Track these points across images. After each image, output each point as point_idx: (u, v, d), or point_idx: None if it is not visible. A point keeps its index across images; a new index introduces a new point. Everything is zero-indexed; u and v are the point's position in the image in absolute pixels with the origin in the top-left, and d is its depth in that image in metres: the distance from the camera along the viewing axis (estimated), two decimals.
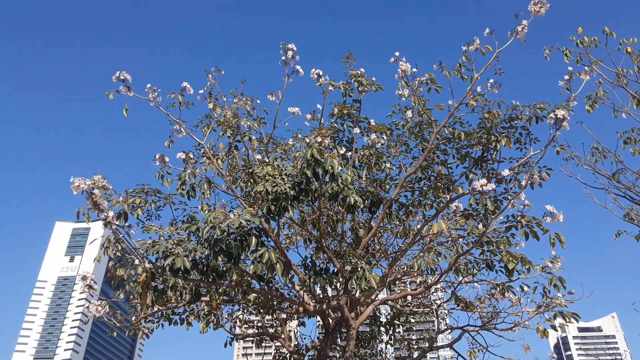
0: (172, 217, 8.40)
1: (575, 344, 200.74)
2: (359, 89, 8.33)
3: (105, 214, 6.03)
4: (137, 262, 7.02)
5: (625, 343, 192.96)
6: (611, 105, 10.10)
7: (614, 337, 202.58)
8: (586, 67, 9.20)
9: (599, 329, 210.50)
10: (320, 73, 8.03)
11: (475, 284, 10.09)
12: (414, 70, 7.70)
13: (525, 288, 9.28)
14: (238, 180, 9.39)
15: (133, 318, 9.85)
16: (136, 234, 6.86)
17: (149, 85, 7.46)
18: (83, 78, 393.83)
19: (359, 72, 8.26)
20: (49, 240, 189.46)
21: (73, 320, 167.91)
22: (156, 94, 7.50)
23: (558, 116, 6.38)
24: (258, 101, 9.13)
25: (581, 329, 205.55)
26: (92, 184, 6.01)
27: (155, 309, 9.47)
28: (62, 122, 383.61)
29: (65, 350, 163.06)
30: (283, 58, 8.09)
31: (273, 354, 12.55)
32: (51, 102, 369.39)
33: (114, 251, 6.95)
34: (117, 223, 6.40)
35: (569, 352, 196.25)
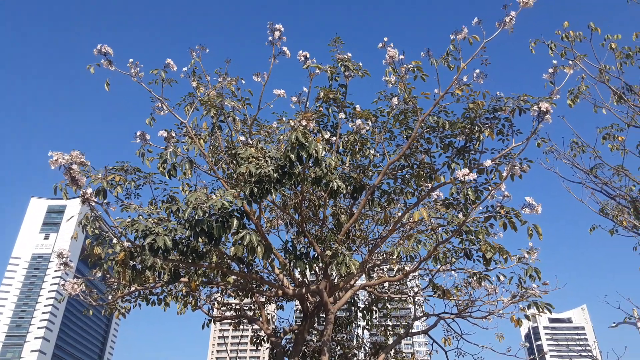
0: (151, 197, 8.28)
1: (546, 334, 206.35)
2: (346, 74, 8.27)
3: (84, 191, 5.90)
4: (115, 240, 6.91)
5: (594, 334, 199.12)
6: (592, 101, 10.24)
7: (583, 328, 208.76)
8: (570, 62, 9.29)
9: (569, 320, 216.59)
10: (307, 55, 7.95)
11: (453, 272, 10.23)
12: (402, 57, 7.67)
13: (502, 278, 9.44)
14: (220, 161, 9.29)
15: (109, 297, 9.74)
16: (115, 212, 6.75)
17: (131, 60, 7.28)
18: (61, 52, 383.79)
19: (346, 57, 8.20)
20: (23, 216, 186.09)
21: (47, 299, 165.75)
22: (138, 69, 7.33)
23: (541, 108, 6.44)
24: (243, 82, 9.01)
25: (552, 320, 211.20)
26: (71, 159, 5.86)
27: (133, 288, 9.38)
28: (40, 97, 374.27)
29: (38, 328, 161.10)
30: (270, 39, 7.97)
31: (250, 336, 12.58)
32: (27, 76, 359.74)
33: (92, 229, 6.82)
34: (96, 200, 6.28)
35: (539, 342, 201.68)
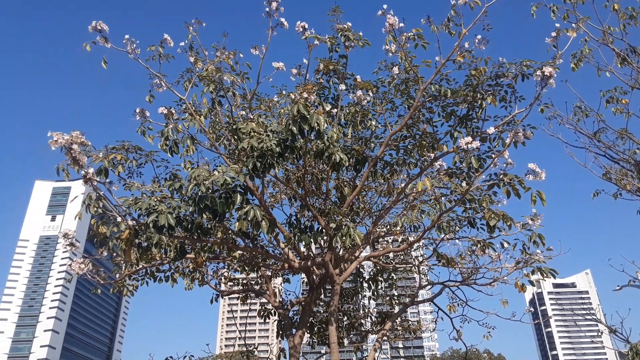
0: (154, 175, 8.28)
1: (550, 299, 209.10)
2: (346, 44, 8.14)
3: (85, 170, 5.90)
4: (119, 219, 6.95)
5: (598, 298, 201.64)
6: (595, 64, 10.08)
7: (587, 292, 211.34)
8: (573, 24, 9.09)
9: (573, 285, 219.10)
10: (306, 26, 7.81)
11: (457, 240, 10.28)
12: (402, 25, 7.53)
13: (506, 244, 9.48)
14: (222, 137, 9.25)
15: (117, 275, 9.86)
16: (117, 191, 6.76)
17: (127, 37, 7.18)
18: (59, 31, 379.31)
19: (346, 27, 8.05)
20: (29, 199, 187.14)
21: (57, 279, 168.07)
22: (135, 45, 7.23)
23: (545, 73, 6.35)
24: (241, 55, 8.88)
25: (556, 285, 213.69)
26: (71, 140, 5.84)
27: (140, 266, 9.48)
28: (39, 78, 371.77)
29: (50, 308, 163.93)
30: (267, 10, 7.82)
31: (258, 309, 12.76)
32: (27, 57, 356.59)
33: (95, 208, 6.85)
34: (98, 180, 6.29)
35: (543, 307, 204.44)
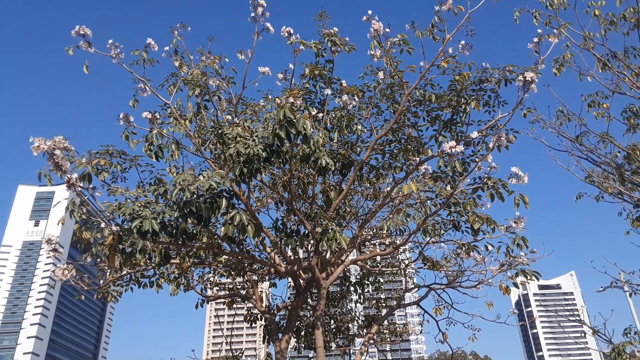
0: (138, 180, 8.21)
1: (536, 300, 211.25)
2: (332, 49, 8.17)
3: (68, 176, 5.83)
4: (103, 225, 6.88)
5: (582, 299, 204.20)
6: (577, 69, 10.26)
7: (572, 294, 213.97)
8: (555, 30, 9.26)
9: (558, 287, 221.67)
10: (291, 31, 7.82)
11: (442, 244, 10.36)
12: (387, 30, 7.59)
13: (490, 247, 9.58)
14: (207, 142, 9.21)
15: (101, 281, 9.75)
16: (101, 196, 6.70)
17: (110, 41, 7.13)
18: (42, 35, 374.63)
19: (333, 32, 8.08)
20: (12, 204, 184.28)
21: (40, 285, 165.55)
22: (118, 50, 7.18)
23: (527, 78, 6.44)
24: (227, 60, 8.86)
25: (541, 287, 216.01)
26: (53, 145, 5.77)
27: (124, 272, 9.39)
28: (21, 82, 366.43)
29: (33, 314, 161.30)
30: (252, 15, 7.82)
31: (245, 314, 12.70)
32: (8, 61, 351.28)
33: (79, 214, 6.77)
34: (81, 185, 6.22)
35: (529, 309, 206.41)
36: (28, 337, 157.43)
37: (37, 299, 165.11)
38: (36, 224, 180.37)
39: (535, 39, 7.58)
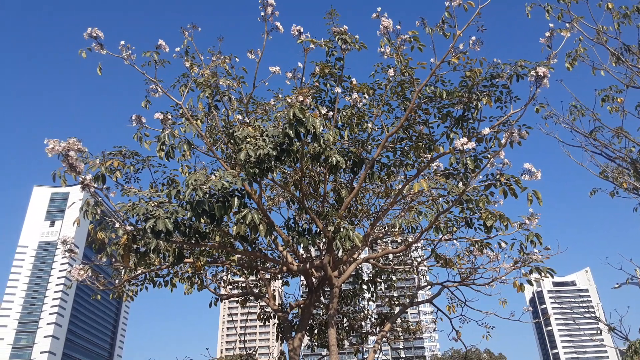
0: (151, 180, 8.30)
1: (550, 297, 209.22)
2: (342, 47, 8.16)
3: (83, 177, 5.91)
4: (117, 225, 6.96)
5: (598, 296, 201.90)
6: (590, 63, 10.13)
7: (587, 290, 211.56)
8: (567, 24, 9.16)
9: (572, 283, 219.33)
10: (301, 30, 7.83)
11: (455, 241, 10.31)
12: (397, 27, 7.56)
13: (503, 244, 9.51)
14: (218, 141, 9.27)
15: (116, 281, 9.86)
16: (115, 197, 6.77)
17: (122, 43, 7.20)
18: (56, 38, 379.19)
19: (343, 30, 8.08)
20: (27, 205, 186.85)
21: (57, 285, 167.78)
22: (130, 51, 7.26)
23: (539, 73, 6.38)
24: (237, 59, 8.91)
25: (556, 284, 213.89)
26: (67, 147, 5.86)
27: (139, 271, 9.48)
28: (37, 84, 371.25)
29: (50, 314, 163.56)
30: (262, 14, 7.84)
31: (258, 313, 12.77)
32: (23, 63, 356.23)
33: (93, 214, 6.86)
34: (95, 186, 6.30)
35: (543, 306, 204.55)
36: (45, 337, 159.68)
37: (54, 299, 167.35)
38: (51, 225, 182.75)
39: (547, 34, 7.50)
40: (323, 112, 8.26)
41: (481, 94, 8.32)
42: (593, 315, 12.76)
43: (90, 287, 9.06)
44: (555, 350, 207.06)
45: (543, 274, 9.16)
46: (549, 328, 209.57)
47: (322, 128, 6.81)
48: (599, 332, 13.12)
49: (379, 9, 7.39)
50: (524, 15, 9.65)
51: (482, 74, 8.17)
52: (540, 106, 9.15)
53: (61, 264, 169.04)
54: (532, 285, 9.91)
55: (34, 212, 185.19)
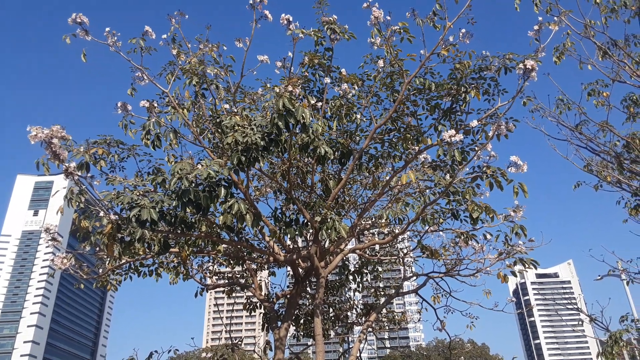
0: (136, 169, 8.19)
1: (533, 289, 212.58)
2: (331, 37, 8.10)
3: (66, 165, 5.81)
4: (101, 213, 6.86)
5: (580, 288, 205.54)
6: (577, 57, 10.21)
7: (569, 282, 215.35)
8: (555, 18, 9.19)
9: (555, 275, 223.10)
10: (290, 19, 7.75)
11: (441, 232, 10.38)
12: (387, 18, 7.52)
13: (488, 236, 9.60)
14: (205, 130, 9.17)
15: (100, 270, 9.76)
16: (100, 185, 6.67)
17: (107, 29, 7.07)
18: (37, 23, 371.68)
19: (332, 19, 8.01)
20: (11, 194, 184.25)
21: (40, 274, 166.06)
22: (116, 38, 7.12)
23: (527, 66, 6.40)
24: (225, 48, 8.80)
25: (539, 275, 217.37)
26: (51, 134, 5.74)
27: (123, 260, 9.39)
28: (19, 72, 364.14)
29: (33, 303, 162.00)
30: (251, 2, 7.74)
31: (244, 303, 12.75)
32: (5, 51, 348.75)
33: (77, 203, 6.76)
34: (79, 174, 6.20)
35: (526, 297, 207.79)
36: (28, 326, 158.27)
37: (37, 288, 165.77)
38: (35, 214, 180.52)
39: (536, 27, 7.52)
40: (312, 102, 8.21)
41: (469, 86, 8.34)
42: (575, 306, 12.98)
43: (74, 276, 8.96)
44: (538, 341, 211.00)
45: (527, 266, 9.27)
46: (532, 319, 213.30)
47: (311, 118, 6.77)
48: (580, 323, 13.35)
49: None
50: (513, 8, 9.67)
51: (471, 66, 8.18)
52: (528, 99, 9.21)
53: (45, 254, 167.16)
54: (515, 276, 10.03)
55: (17, 201, 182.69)
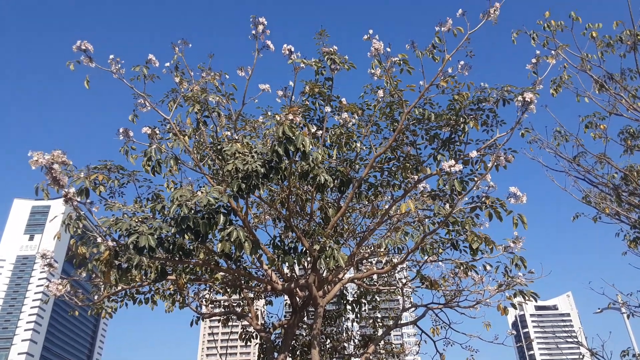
0: (136, 195, 8.17)
1: (533, 321, 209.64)
2: (332, 67, 8.22)
3: (66, 190, 5.79)
4: (99, 240, 6.81)
5: (579, 320, 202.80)
6: (574, 90, 10.35)
7: (568, 315, 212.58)
8: (552, 51, 9.36)
9: (554, 307, 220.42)
10: (292, 49, 7.88)
11: (440, 263, 10.30)
12: (388, 49, 7.66)
13: (488, 267, 9.53)
14: (206, 157, 9.20)
15: (95, 297, 9.63)
16: (98, 211, 6.64)
17: (112, 56, 7.16)
18: (41, 50, 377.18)
19: (332, 50, 8.15)
20: (7, 218, 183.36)
21: (33, 300, 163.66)
22: (119, 65, 7.21)
23: (526, 99, 6.48)
24: (227, 76, 8.91)
25: (538, 307, 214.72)
26: (52, 159, 5.75)
27: (119, 287, 9.28)
28: (20, 96, 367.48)
29: (25, 330, 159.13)
30: (253, 32, 7.88)
31: (240, 332, 12.54)
32: (7, 74, 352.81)
33: (75, 228, 6.71)
34: (78, 200, 6.18)
35: (526, 329, 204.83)
36: (19, 353, 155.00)
37: (30, 314, 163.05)
38: (31, 238, 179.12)
39: (534, 60, 7.66)
40: (312, 130, 8.27)
41: (468, 117, 8.42)
42: (575, 340, 12.78)
43: (68, 303, 8.82)
44: None
45: (527, 298, 9.17)
46: (531, 352, 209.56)
47: (311, 146, 6.80)
48: (581, 357, 13.13)
49: (370, 31, 7.49)
50: (510, 42, 9.86)
51: (470, 97, 8.29)
52: (526, 131, 9.30)
53: (39, 279, 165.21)
54: (515, 308, 9.91)
55: (13, 225, 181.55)
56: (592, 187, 11.22)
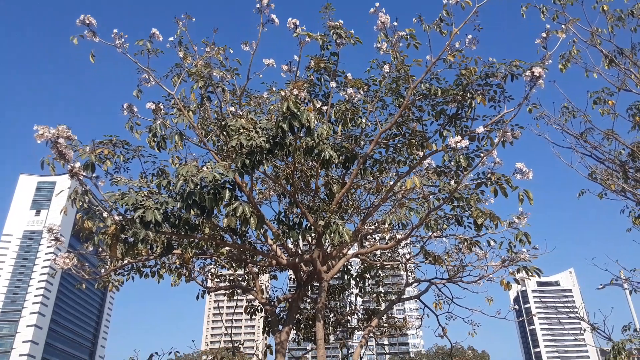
0: (141, 170, 8.19)
1: (534, 297, 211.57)
2: (337, 42, 8.11)
3: (72, 165, 5.81)
4: (105, 214, 6.86)
5: (581, 297, 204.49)
6: (583, 65, 10.21)
7: (570, 291, 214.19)
8: (562, 25, 9.19)
9: (556, 283, 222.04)
10: (297, 23, 7.77)
11: (444, 238, 10.34)
12: (395, 23, 7.53)
13: (492, 243, 9.55)
14: (210, 133, 9.18)
15: (102, 270, 9.75)
16: (104, 186, 6.67)
17: (115, 31, 7.08)
18: (45, 22, 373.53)
19: (338, 24, 8.03)
20: (13, 193, 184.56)
21: (41, 274, 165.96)
22: (123, 40, 7.13)
23: (534, 74, 6.38)
24: (231, 51, 8.80)
25: (540, 283, 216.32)
26: (57, 134, 5.75)
27: (126, 261, 9.38)
28: (24, 70, 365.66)
29: (33, 303, 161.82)
30: (258, 5, 7.76)
31: (245, 306, 12.71)
32: (9, 47, 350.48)
33: (81, 203, 6.75)
34: (84, 174, 6.20)
35: (527, 305, 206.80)
36: (27, 326, 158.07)
37: (37, 288, 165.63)
38: (37, 214, 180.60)
39: (543, 34, 7.50)
40: (317, 106, 8.21)
41: (475, 92, 8.33)
42: (576, 315, 12.91)
43: (75, 276, 8.94)
44: (538, 349, 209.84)
45: (530, 273, 9.22)
46: (532, 327, 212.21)
47: (316, 122, 6.77)
48: (582, 332, 13.29)
49: (377, 4, 7.35)
50: (519, 15, 9.67)
51: (477, 72, 8.18)
52: (533, 106, 9.23)
53: (46, 254, 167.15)
54: (518, 284, 9.99)
55: (19, 201, 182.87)
56: (598, 164, 11.18)
